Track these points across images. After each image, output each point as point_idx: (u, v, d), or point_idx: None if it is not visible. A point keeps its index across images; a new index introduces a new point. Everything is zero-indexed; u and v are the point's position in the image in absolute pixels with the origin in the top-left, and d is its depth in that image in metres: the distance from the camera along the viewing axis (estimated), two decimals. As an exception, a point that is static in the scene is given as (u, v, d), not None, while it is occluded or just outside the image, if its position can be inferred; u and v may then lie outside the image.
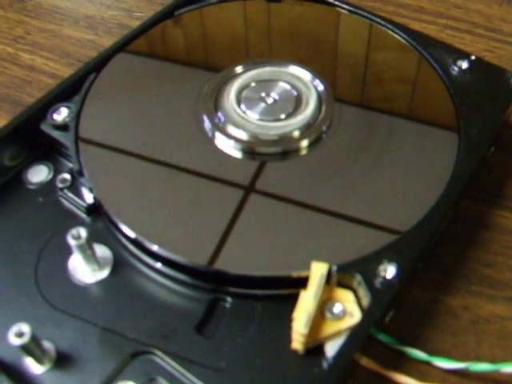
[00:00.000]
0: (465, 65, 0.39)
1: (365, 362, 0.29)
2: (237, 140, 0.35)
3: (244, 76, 0.38)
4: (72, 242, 0.29)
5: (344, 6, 0.43)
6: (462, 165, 0.34)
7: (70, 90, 0.37)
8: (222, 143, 0.35)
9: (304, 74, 0.39)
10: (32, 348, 0.27)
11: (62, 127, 0.35)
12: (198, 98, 0.37)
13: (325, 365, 0.28)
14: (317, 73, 0.39)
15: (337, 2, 0.44)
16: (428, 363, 0.30)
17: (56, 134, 0.35)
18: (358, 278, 0.29)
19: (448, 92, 0.38)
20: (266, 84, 0.38)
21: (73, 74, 0.38)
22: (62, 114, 0.36)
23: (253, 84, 0.38)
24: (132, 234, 0.31)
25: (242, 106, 0.37)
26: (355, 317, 0.28)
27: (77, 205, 0.34)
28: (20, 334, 0.26)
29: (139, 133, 0.36)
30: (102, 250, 0.32)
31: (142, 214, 0.32)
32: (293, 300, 0.28)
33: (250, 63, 0.40)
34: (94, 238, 0.31)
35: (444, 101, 0.38)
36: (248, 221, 0.32)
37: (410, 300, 0.33)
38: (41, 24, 0.51)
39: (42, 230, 0.33)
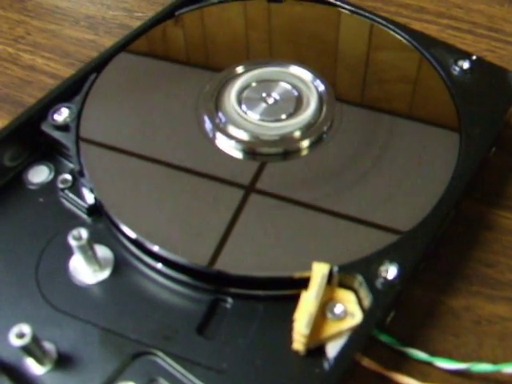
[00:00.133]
0: (466, 65, 0.39)
1: (366, 362, 0.29)
2: (237, 140, 0.35)
3: (245, 76, 0.38)
4: (73, 242, 0.29)
5: (345, 5, 0.43)
6: (464, 165, 0.34)
7: (70, 91, 0.37)
8: (223, 143, 0.35)
9: (305, 74, 0.39)
10: (33, 349, 0.27)
11: (63, 127, 0.35)
12: (199, 99, 0.37)
13: (326, 365, 0.28)
14: (318, 73, 0.39)
15: (338, 2, 0.44)
16: (429, 364, 0.30)
17: (57, 134, 0.35)
18: (360, 278, 0.29)
19: (449, 92, 0.38)
20: (267, 84, 0.38)
21: (73, 75, 0.38)
22: (62, 115, 0.36)
23: (253, 84, 0.38)
24: (133, 235, 0.31)
25: (243, 106, 0.37)
26: (356, 317, 0.28)
27: (78, 205, 0.34)
28: (21, 335, 0.26)
29: (140, 133, 0.36)
30: (102, 251, 0.32)
31: (143, 215, 0.32)
32: (294, 300, 0.28)
33: (251, 63, 0.39)
34: (94, 238, 0.31)
35: (445, 101, 0.37)
36: (249, 221, 0.32)
37: (411, 300, 0.33)
38: (41, 24, 0.51)
39: (43, 230, 0.33)
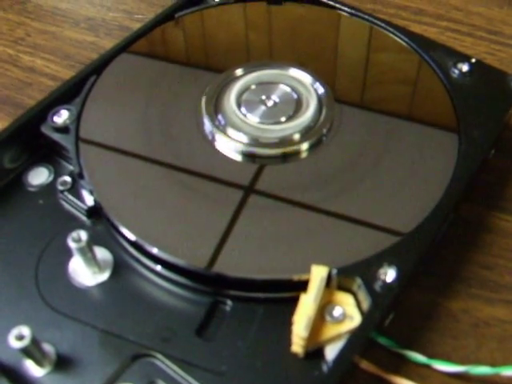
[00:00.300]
0: (465, 67, 0.39)
1: (365, 365, 0.29)
2: (237, 143, 0.35)
3: (244, 78, 0.38)
4: (72, 244, 0.29)
5: (344, 8, 0.43)
6: (463, 167, 0.34)
7: (70, 92, 0.37)
8: (223, 146, 0.35)
9: (304, 77, 0.39)
10: (32, 351, 0.27)
11: (63, 129, 0.35)
12: (199, 101, 0.37)
13: (325, 368, 0.28)
14: (317, 75, 0.39)
15: (337, 5, 0.44)
16: (428, 366, 0.30)
17: (56, 136, 0.35)
18: (358, 281, 0.29)
19: (448, 95, 0.38)
20: (267, 86, 0.38)
21: (73, 76, 0.38)
22: (62, 117, 0.36)
23: (253, 86, 0.38)
24: (132, 237, 0.31)
25: (243, 109, 0.37)
26: (355, 320, 0.28)
27: (77, 207, 0.34)
28: (20, 337, 0.26)
29: (139, 135, 0.36)
30: (102, 253, 0.32)
31: (142, 217, 0.32)
32: (293, 303, 0.28)
33: (251, 66, 0.40)
34: (94, 240, 0.31)
35: (444, 104, 0.38)
36: (248, 224, 0.32)
37: (409, 303, 0.33)
38: (41, 26, 0.51)
39: (43, 232, 0.33)
